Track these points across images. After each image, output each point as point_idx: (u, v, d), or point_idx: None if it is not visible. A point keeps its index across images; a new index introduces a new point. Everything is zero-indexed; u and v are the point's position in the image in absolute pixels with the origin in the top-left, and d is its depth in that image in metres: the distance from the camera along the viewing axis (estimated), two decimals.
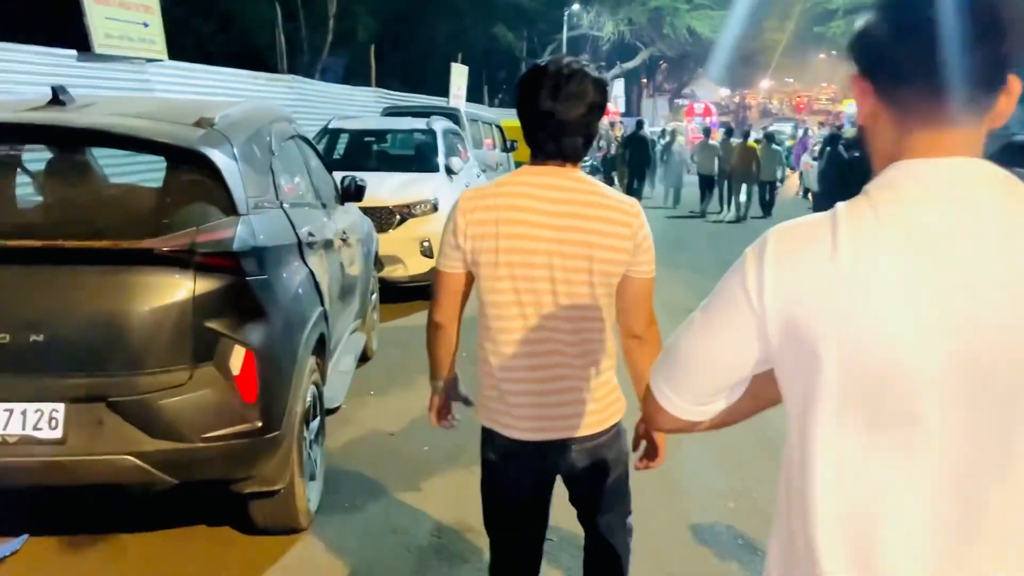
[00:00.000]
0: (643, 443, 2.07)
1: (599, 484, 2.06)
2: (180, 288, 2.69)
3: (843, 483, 0.95)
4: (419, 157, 8.66)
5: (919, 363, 0.90)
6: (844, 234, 0.94)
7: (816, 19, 31.66)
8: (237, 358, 2.78)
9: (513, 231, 1.82)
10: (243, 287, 2.82)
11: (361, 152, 8.86)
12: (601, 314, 1.88)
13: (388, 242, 7.06)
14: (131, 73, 7.59)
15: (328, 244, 4.04)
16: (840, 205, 0.98)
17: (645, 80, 47.32)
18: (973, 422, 0.91)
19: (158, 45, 7.76)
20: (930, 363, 0.90)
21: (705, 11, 31.67)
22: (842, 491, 0.95)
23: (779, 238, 1.00)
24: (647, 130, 17.28)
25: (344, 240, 4.49)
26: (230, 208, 2.87)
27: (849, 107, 47.77)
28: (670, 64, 43.52)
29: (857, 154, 12.66)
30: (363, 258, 5.27)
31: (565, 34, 31.11)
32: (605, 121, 20.78)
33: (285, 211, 3.38)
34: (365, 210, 6.96)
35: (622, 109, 31.79)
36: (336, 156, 8.80)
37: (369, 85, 16.25)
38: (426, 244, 7.29)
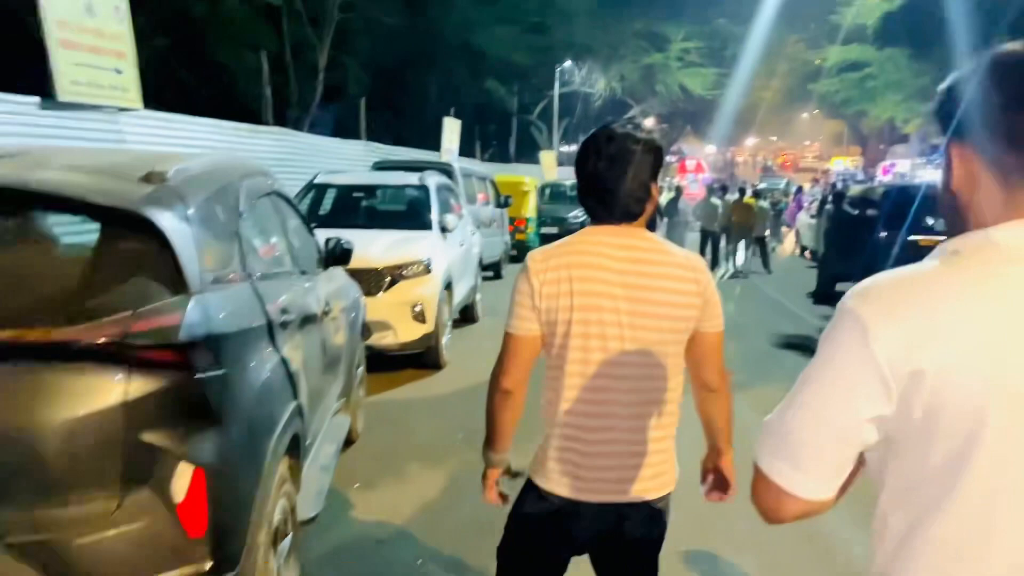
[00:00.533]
0: (711, 476, 2.05)
1: (642, 555, 2.00)
2: (108, 391, 2.07)
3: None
4: (411, 214, 8.16)
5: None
6: (960, 289, 0.95)
7: (809, 76, 31.87)
8: (182, 480, 2.14)
9: (587, 288, 1.81)
10: (192, 387, 2.20)
11: (349, 209, 8.32)
12: (668, 373, 1.87)
13: (377, 306, 6.46)
14: (101, 123, 7.02)
15: (307, 320, 3.42)
16: (942, 260, 0.99)
17: None
18: None
19: (132, 93, 7.21)
20: None
21: (696, 68, 31.74)
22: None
23: (886, 293, 0.99)
24: None
25: (326, 312, 3.88)
26: (179, 285, 2.26)
27: (837, 164, 48.07)
28: (659, 121, 43.60)
29: (857, 212, 12.30)
30: (348, 328, 4.66)
31: (557, 90, 31.06)
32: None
33: (253, 285, 2.77)
34: (352, 272, 6.37)
35: None
36: (322, 213, 8.25)
37: (359, 139, 15.82)
38: (418, 308, 6.69)
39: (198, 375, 2.21)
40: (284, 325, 2.94)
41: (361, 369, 5.28)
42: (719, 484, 2.04)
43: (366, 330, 6.19)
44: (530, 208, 16.30)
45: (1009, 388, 0.91)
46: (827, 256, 12.48)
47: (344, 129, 18.19)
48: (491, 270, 12.53)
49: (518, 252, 15.35)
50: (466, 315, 9.08)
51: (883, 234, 11.25)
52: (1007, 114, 0.96)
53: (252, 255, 2.93)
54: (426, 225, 7.68)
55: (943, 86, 1.03)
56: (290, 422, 2.78)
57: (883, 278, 1.01)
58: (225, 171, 2.99)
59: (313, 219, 8.07)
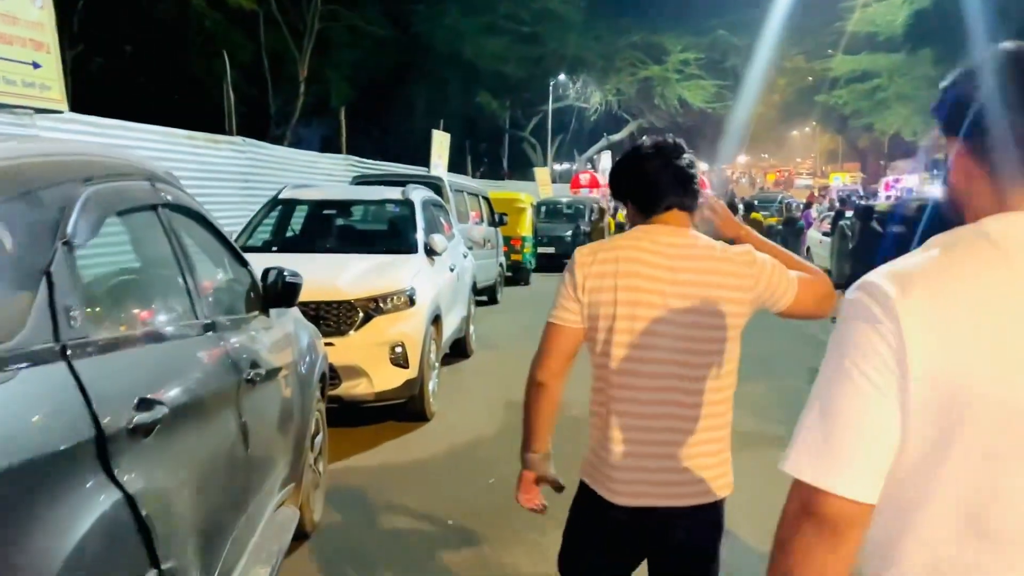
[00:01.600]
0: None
1: (692, 564, 1.88)
2: None
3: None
4: (392, 234, 7.04)
5: None
6: (953, 278, 0.95)
7: (807, 90, 30.92)
8: None
9: (633, 284, 1.79)
10: None
11: (318, 229, 7.16)
12: (722, 372, 1.81)
13: (347, 348, 5.27)
14: (11, 127, 5.81)
15: (206, 403, 2.21)
16: (941, 251, 0.98)
17: None
18: None
19: (54, 92, 6.01)
20: None
21: (696, 80, 30.66)
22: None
23: (888, 285, 0.97)
24: None
25: (252, 380, 2.67)
26: None
27: (835, 180, 47.05)
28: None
29: (896, 227, 11.28)
30: (297, 389, 3.45)
31: (551, 104, 30.01)
32: (595, 194, 19.89)
33: (73, 368, 1.55)
34: (317, 307, 5.19)
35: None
36: (288, 234, 7.07)
37: (343, 153, 14.63)
38: (399, 350, 5.47)
39: None
40: (142, 431, 1.72)
41: (320, 437, 4.05)
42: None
43: (333, 377, 5.02)
44: (526, 226, 15.15)
45: (986, 378, 0.90)
46: (856, 277, 11.41)
47: (331, 146, 17.07)
48: (485, 295, 11.35)
49: (514, 274, 14.22)
50: (458, 349, 7.89)
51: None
52: (1006, 111, 0.96)
53: (87, 312, 1.71)
54: (410, 247, 6.51)
55: (945, 83, 1.05)
56: None
57: (883, 271, 1.00)
58: (44, 170, 1.77)
59: (276, 241, 6.92)
